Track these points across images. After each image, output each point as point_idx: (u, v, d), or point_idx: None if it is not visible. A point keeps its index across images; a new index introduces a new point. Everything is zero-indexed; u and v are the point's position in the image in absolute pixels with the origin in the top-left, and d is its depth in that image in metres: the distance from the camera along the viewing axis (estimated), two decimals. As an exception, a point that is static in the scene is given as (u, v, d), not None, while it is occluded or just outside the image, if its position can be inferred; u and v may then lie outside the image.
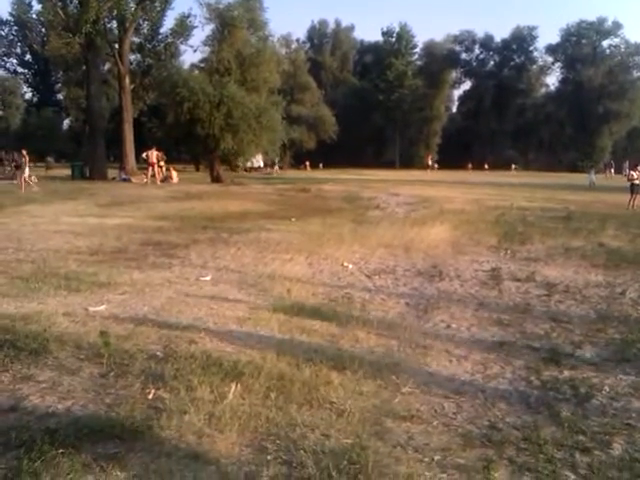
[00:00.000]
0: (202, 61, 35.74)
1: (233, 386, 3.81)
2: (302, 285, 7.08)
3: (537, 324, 5.73)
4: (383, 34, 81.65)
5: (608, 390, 4.11)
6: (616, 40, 76.35)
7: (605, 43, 77.16)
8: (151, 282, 7.05)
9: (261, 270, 7.96)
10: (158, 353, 4.51)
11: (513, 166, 66.50)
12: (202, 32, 46.65)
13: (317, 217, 14.12)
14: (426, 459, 3.11)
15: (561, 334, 5.44)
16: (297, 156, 63.42)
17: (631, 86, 73.21)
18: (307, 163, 61.07)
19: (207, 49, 34.71)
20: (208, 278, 7.38)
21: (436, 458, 3.12)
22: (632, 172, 20.67)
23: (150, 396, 3.72)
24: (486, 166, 67.40)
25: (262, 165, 52.08)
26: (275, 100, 34.27)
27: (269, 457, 3.07)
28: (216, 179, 31.59)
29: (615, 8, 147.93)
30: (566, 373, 4.43)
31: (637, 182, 19.69)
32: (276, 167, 51.44)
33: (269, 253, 9.27)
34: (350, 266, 8.42)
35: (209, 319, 5.56)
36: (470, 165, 66.22)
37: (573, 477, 2.97)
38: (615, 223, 13.59)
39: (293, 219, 13.91)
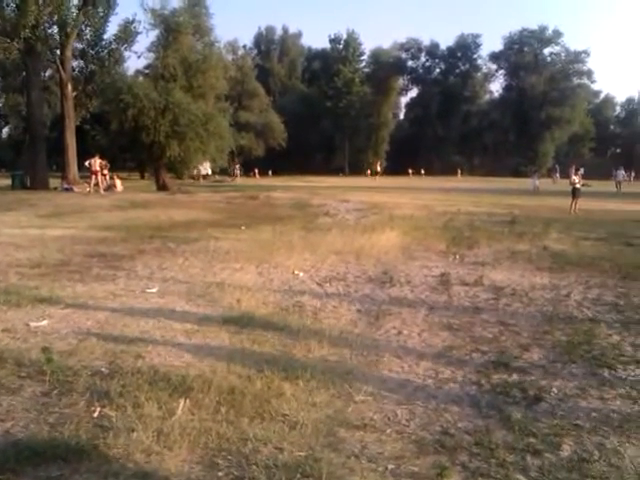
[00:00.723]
0: (147, 67, 35.22)
1: (182, 401, 3.70)
2: (252, 295, 6.98)
3: (486, 328, 5.81)
4: (331, 41, 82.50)
5: (556, 392, 4.19)
6: (557, 48, 79.37)
7: (546, 51, 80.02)
8: (95, 295, 6.82)
9: (210, 280, 7.82)
10: (103, 369, 4.35)
11: (459, 171, 68.08)
12: (147, 38, 45.93)
13: (267, 225, 14.03)
14: (380, 468, 3.09)
15: (509, 337, 5.53)
16: (246, 163, 62.98)
17: (572, 93, 76.02)
18: (256, 170, 60.75)
19: (152, 55, 34.18)
20: (155, 290, 7.19)
21: (390, 467, 3.10)
22: (574, 177, 21.47)
23: (95, 414, 3.58)
24: (422, 171, 68.60)
25: (210, 173, 51.56)
26: (222, 107, 34.13)
27: (220, 474, 2.99)
28: (162, 187, 31.08)
29: (555, 17, 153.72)
30: (515, 376, 4.50)
31: (578, 186, 20.43)
32: (237, 172, 50.90)
33: (218, 262, 9.13)
34: (301, 274, 8.37)
35: (156, 332, 5.40)
36: (410, 171, 67.41)
37: (525, 480, 3.00)
38: (558, 227, 14.01)
39: (242, 227, 13.77)
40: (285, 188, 31.63)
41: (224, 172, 53.98)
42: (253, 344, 5.08)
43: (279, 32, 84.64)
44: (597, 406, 3.95)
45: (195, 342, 5.14)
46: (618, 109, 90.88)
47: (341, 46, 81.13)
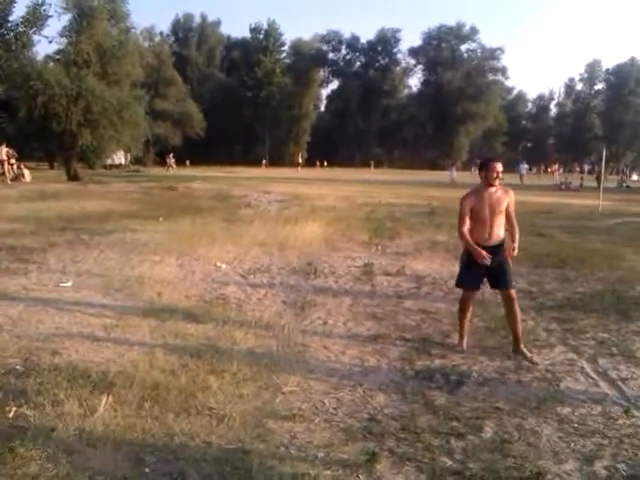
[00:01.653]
0: (58, 52, 33.19)
1: (104, 398, 3.57)
2: (174, 288, 6.81)
3: (409, 316, 5.95)
4: (251, 30, 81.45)
5: (476, 376, 4.35)
6: (473, 45, 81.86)
7: (463, 47, 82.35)
8: (5, 290, 6.43)
9: (128, 273, 7.55)
10: (18, 367, 4.13)
11: (372, 163, 69.13)
12: (58, 22, 43.49)
13: (186, 216, 13.70)
14: (310, 457, 3.11)
15: (431, 325, 5.70)
16: (162, 153, 61.19)
17: (487, 89, 78.85)
18: (173, 160, 59.12)
19: (64, 40, 32.34)
20: (69, 284, 6.87)
21: (320, 455, 3.13)
22: None
23: (11, 415, 3.38)
24: (325, 163, 68.91)
25: (123, 162, 49.81)
26: (138, 94, 32.82)
27: (147, 470, 2.92)
28: (73, 177, 29.69)
29: (472, 14, 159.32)
30: (437, 362, 4.64)
31: None
32: (170, 162, 49.30)
33: (136, 255, 8.83)
34: (224, 266, 8.25)
35: (73, 328, 5.17)
36: (319, 163, 67.64)
37: (450, 463, 3.09)
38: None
39: (160, 219, 13.38)
40: (205, 179, 31.10)
41: (138, 162, 52.34)
42: (176, 338, 4.96)
43: (197, 20, 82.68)
44: (515, 389, 4.14)
45: (115, 337, 4.95)
46: (529, 105, 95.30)
47: (262, 36, 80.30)
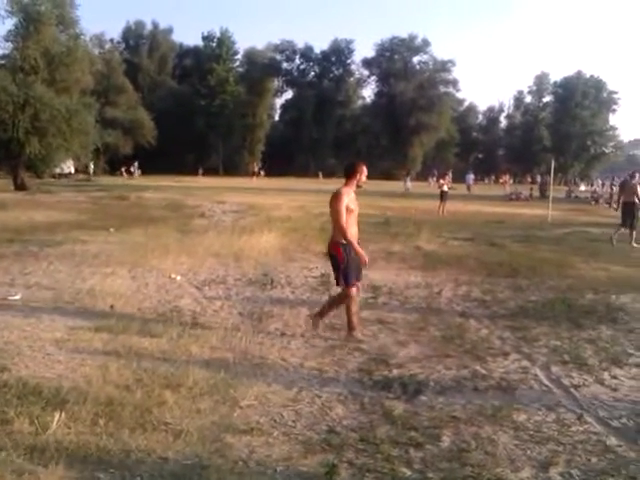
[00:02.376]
0: (3, 58, 32.19)
1: (56, 415, 3.45)
2: (126, 300, 6.66)
3: (366, 326, 5.97)
4: (204, 38, 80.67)
5: (434, 385, 4.40)
6: (425, 57, 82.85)
7: (415, 59, 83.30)
8: (-53, 305, 6.17)
9: (79, 286, 7.35)
10: (-37, 385, 3.94)
11: (320, 174, 69.02)
12: (3, 26, 42.17)
13: (139, 227, 13.44)
14: (269, 471, 3.08)
15: (388, 335, 5.74)
16: (112, 162, 59.87)
17: (439, 100, 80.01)
18: (124, 169, 57.94)
19: (9, 45, 31.39)
20: (18, 297, 6.64)
21: (279, 469, 3.11)
22: (441, 180, 22.82)
23: (-45, 435, 3.23)
24: (262, 173, 66.74)
25: (73, 171, 48.59)
26: (87, 102, 32.06)
27: (102, 488, 2.82)
28: (20, 187, 28.82)
29: (424, 26, 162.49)
30: (395, 372, 4.68)
31: (446, 190, 21.73)
32: (134, 170, 48.13)
33: (87, 267, 8.61)
34: (178, 278, 8.12)
35: (22, 343, 4.99)
36: (263, 173, 65.55)
37: (409, 473, 3.11)
38: (429, 228, 14.68)
39: (112, 229, 13.10)
40: (157, 188, 30.63)
41: (86, 171, 51.07)
42: (130, 352, 4.84)
43: (149, 27, 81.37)
44: (471, 397, 4.21)
45: (67, 352, 4.81)
46: (480, 117, 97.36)
47: (214, 44, 79.66)
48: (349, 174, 5.47)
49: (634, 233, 13.40)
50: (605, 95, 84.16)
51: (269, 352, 5.07)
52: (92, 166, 48.94)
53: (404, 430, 3.60)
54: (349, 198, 5.35)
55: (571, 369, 4.87)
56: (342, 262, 5.37)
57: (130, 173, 49.38)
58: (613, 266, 10.14)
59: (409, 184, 38.57)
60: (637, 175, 14.01)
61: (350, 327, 5.58)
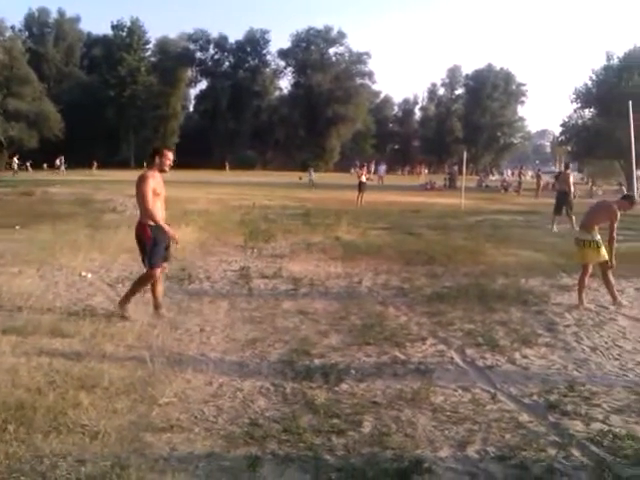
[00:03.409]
0: None
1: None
2: (35, 300, 6.31)
3: (287, 318, 5.98)
4: (113, 27, 77.44)
5: (354, 373, 4.46)
6: (341, 48, 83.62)
7: (332, 51, 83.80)
8: None
9: (-18, 288, 6.89)
10: None
11: (227, 164, 68.46)
12: None
13: (46, 223, 12.77)
14: (191, 467, 3.04)
15: (309, 325, 5.76)
16: (15, 156, 56.63)
17: (355, 92, 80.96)
18: (28, 164, 54.87)
19: None
20: None
21: (201, 465, 3.06)
22: (360, 170, 23.18)
23: None
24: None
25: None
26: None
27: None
28: None
29: (339, 16, 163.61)
30: (317, 361, 4.70)
31: (364, 180, 22.07)
32: (60, 166, 45.25)
33: (-10, 267, 8.09)
34: (89, 275, 7.79)
35: None
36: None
37: (332, 460, 3.14)
38: (347, 218, 14.79)
39: (17, 227, 12.39)
40: (64, 182, 29.32)
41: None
42: (41, 354, 4.60)
43: (54, 15, 77.34)
44: (391, 382, 4.30)
45: (-31, 357, 4.49)
46: (396, 109, 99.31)
47: (124, 33, 76.81)
48: (152, 158, 5.77)
49: (573, 218, 13.72)
50: (514, 87, 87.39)
51: (188, 348, 4.96)
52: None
53: (326, 418, 3.62)
54: (155, 181, 5.67)
55: (485, 351, 5.08)
56: (149, 243, 5.65)
57: (55, 168, 46.77)
58: (522, 251, 10.66)
59: (313, 175, 38.52)
60: (570, 166, 14.97)
61: (156, 306, 5.92)
